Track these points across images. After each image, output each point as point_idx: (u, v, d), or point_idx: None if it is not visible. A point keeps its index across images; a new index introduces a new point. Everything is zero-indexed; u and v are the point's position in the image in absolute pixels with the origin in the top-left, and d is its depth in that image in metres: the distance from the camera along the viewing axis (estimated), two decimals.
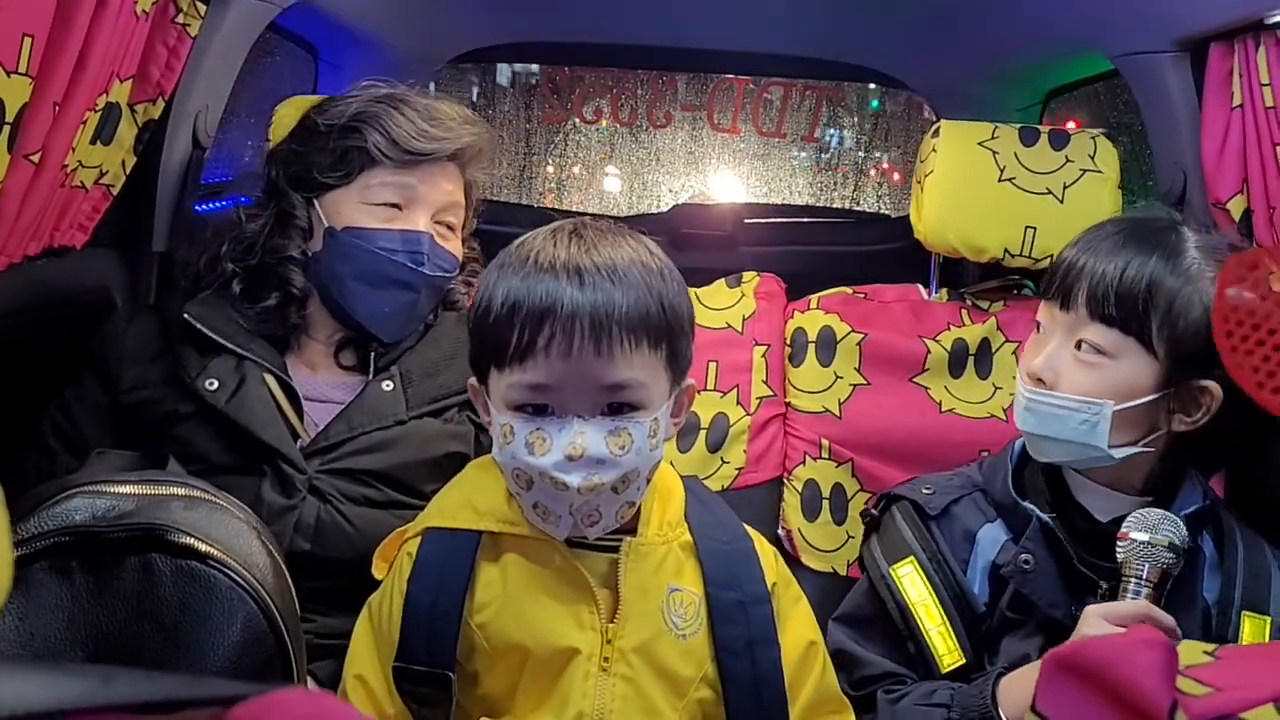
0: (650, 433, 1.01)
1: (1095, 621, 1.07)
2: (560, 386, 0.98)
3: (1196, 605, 1.16)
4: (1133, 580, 1.09)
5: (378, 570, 1.13)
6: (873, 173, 2.98)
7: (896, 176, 3.00)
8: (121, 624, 0.84)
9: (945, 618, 1.19)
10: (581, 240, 1.02)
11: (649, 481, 1.06)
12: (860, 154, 2.97)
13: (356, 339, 1.39)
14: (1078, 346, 1.17)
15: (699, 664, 1.05)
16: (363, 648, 1.10)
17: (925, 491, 1.27)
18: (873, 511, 1.32)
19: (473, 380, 1.09)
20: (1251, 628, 1.15)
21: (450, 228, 1.40)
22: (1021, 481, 1.25)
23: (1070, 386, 1.17)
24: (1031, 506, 1.21)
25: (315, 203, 1.36)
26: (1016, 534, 1.21)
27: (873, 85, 2.83)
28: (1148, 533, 1.10)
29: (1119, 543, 1.12)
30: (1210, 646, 0.60)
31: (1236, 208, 1.51)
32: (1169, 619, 1.07)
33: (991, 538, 1.23)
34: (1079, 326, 1.17)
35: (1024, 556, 1.18)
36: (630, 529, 1.08)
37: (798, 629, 1.12)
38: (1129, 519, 1.12)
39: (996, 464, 1.28)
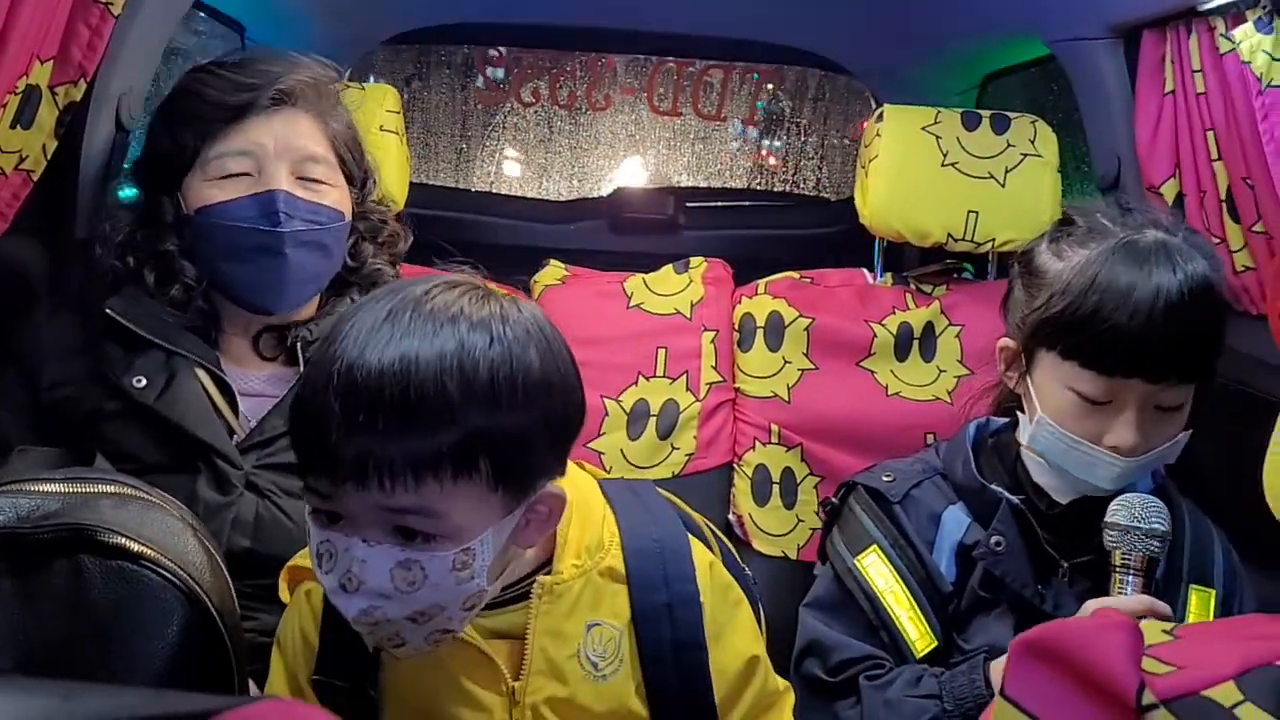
0: (456, 565, 0.85)
1: None
2: (321, 493, 0.84)
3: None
4: (1123, 570, 1.10)
5: (283, 593, 1.05)
6: (812, 156, 2.98)
7: (836, 160, 3.01)
8: (51, 629, 0.80)
9: (914, 602, 1.19)
10: (390, 331, 0.82)
11: (475, 607, 0.90)
12: (800, 138, 2.97)
13: (273, 327, 1.34)
14: (1156, 408, 1.13)
15: (619, 702, 0.98)
16: (279, 684, 1.02)
17: (885, 479, 1.27)
18: (834, 500, 1.32)
19: None
20: (1198, 600, 1.18)
21: (319, 180, 1.31)
22: (980, 465, 1.26)
23: (1161, 438, 1.14)
24: (1000, 490, 1.22)
25: (178, 195, 1.30)
26: (979, 516, 1.22)
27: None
28: (1135, 521, 1.10)
29: (1107, 533, 1.12)
30: (1169, 625, 0.61)
31: (1169, 192, 1.54)
32: (1168, 609, 1.09)
33: (956, 519, 1.23)
34: (1156, 394, 1.12)
35: (995, 538, 1.19)
36: (547, 569, 0.98)
37: (739, 641, 1.04)
38: (1113, 507, 1.13)
39: (955, 449, 1.29)
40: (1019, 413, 1.26)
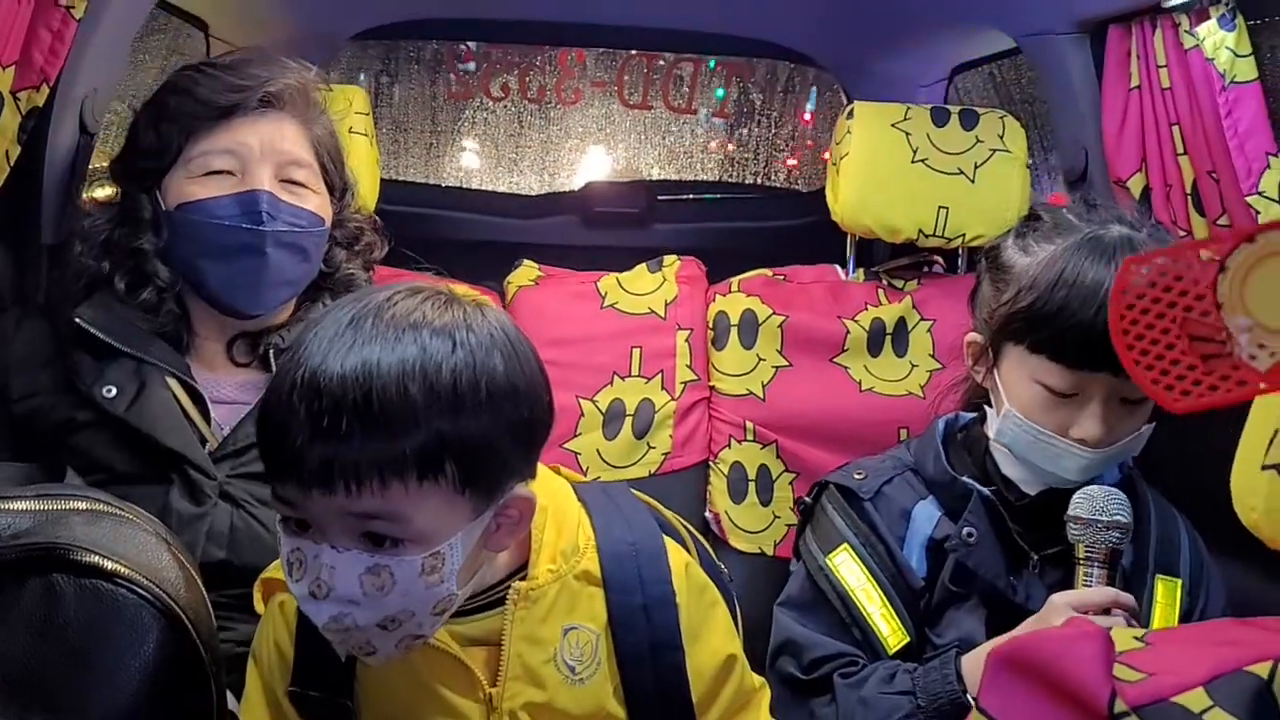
0: (425, 570, 0.85)
1: (1063, 609, 1.08)
2: (306, 512, 0.85)
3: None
4: (1086, 563, 1.11)
5: (258, 605, 1.05)
6: (783, 148, 2.99)
7: (808, 151, 3.02)
8: (23, 650, 0.79)
9: (885, 599, 1.20)
10: (353, 337, 0.83)
11: (445, 612, 0.90)
12: (771, 129, 2.98)
13: (247, 333, 1.33)
14: (1121, 401, 1.15)
15: (597, 705, 0.98)
16: (253, 699, 1.02)
17: (857, 476, 1.28)
18: (806, 500, 1.33)
19: None
20: (1164, 590, 1.20)
21: (301, 185, 1.32)
22: (950, 459, 1.27)
23: (1126, 430, 1.16)
24: (972, 482, 1.23)
25: (156, 192, 1.29)
26: (950, 510, 1.23)
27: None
28: (1097, 514, 1.12)
29: (1070, 526, 1.13)
30: (1140, 632, 0.62)
31: (1136, 185, 1.56)
32: (1132, 600, 1.10)
33: (926, 514, 1.25)
34: (1121, 387, 1.13)
35: (967, 530, 1.20)
36: (521, 574, 0.98)
37: (716, 641, 1.04)
38: (1075, 500, 1.14)
39: (926, 444, 1.30)
40: (986, 406, 1.27)
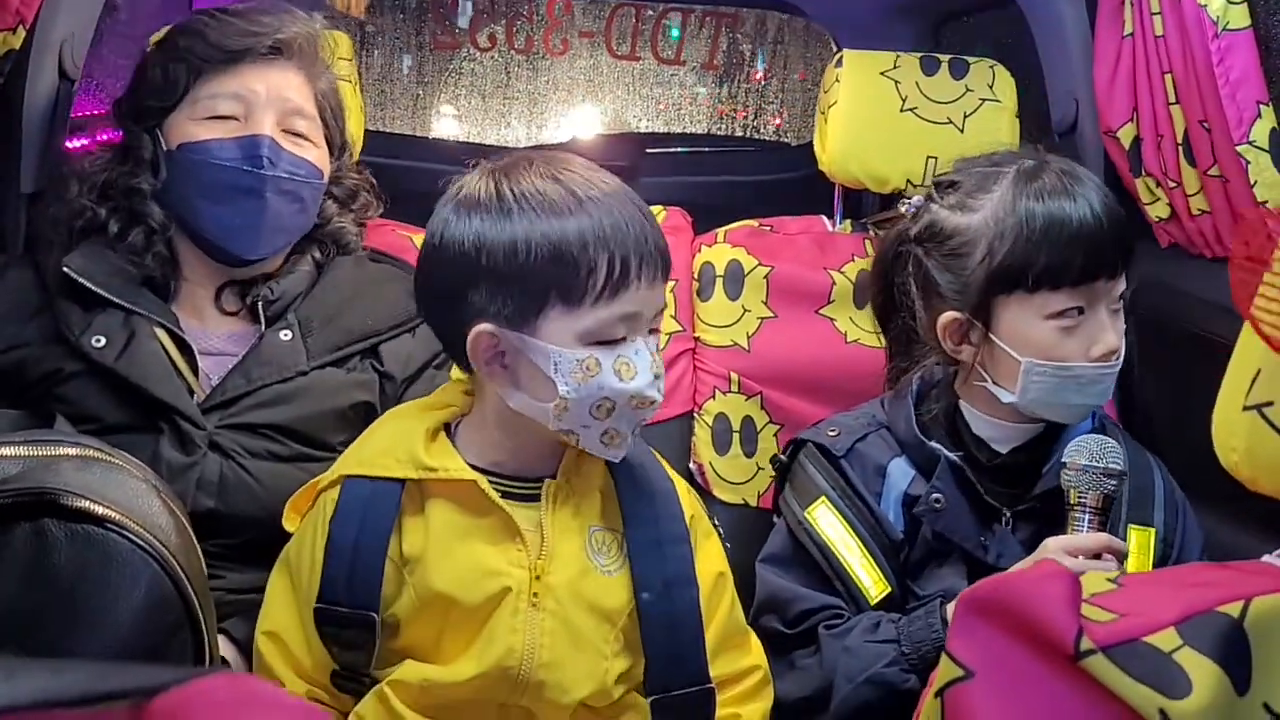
0: (654, 352, 1.05)
1: (1056, 553, 1.10)
2: (641, 313, 1.01)
3: None
4: (1079, 509, 1.13)
5: (289, 522, 1.10)
6: (772, 100, 2.96)
7: (796, 104, 2.99)
8: (14, 595, 0.79)
9: (865, 550, 1.21)
10: (581, 171, 1.04)
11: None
12: (760, 82, 2.95)
13: (236, 281, 1.33)
14: (1113, 312, 1.19)
15: (627, 596, 1.06)
16: (277, 600, 1.08)
17: (830, 434, 1.29)
18: (782, 458, 1.34)
19: (483, 328, 1.00)
20: (1137, 540, 1.21)
21: (302, 136, 1.33)
22: (922, 420, 1.27)
23: (1122, 339, 1.20)
24: (938, 447, 1.23)
25: (158, 132, 1.30)
26: (922, 469, 1.24)
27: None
28: (1094, 460, 1.13)
29: (1065, 473, 1.14)
30: (1114, 574, 0.63)
31: (1126, 136, 1.55)
32: (1124, 545, 1.13)
33: (901, 471, 1.26)
34: (1114, 287, 1.19)
35: (935, 496, 1.21)
36: (551, 473, 1.08)
37: (707, 562, 1.13)
38: (1070, 448, 1.15)
39: (898, 403, 1.30)
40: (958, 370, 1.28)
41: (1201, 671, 0.53)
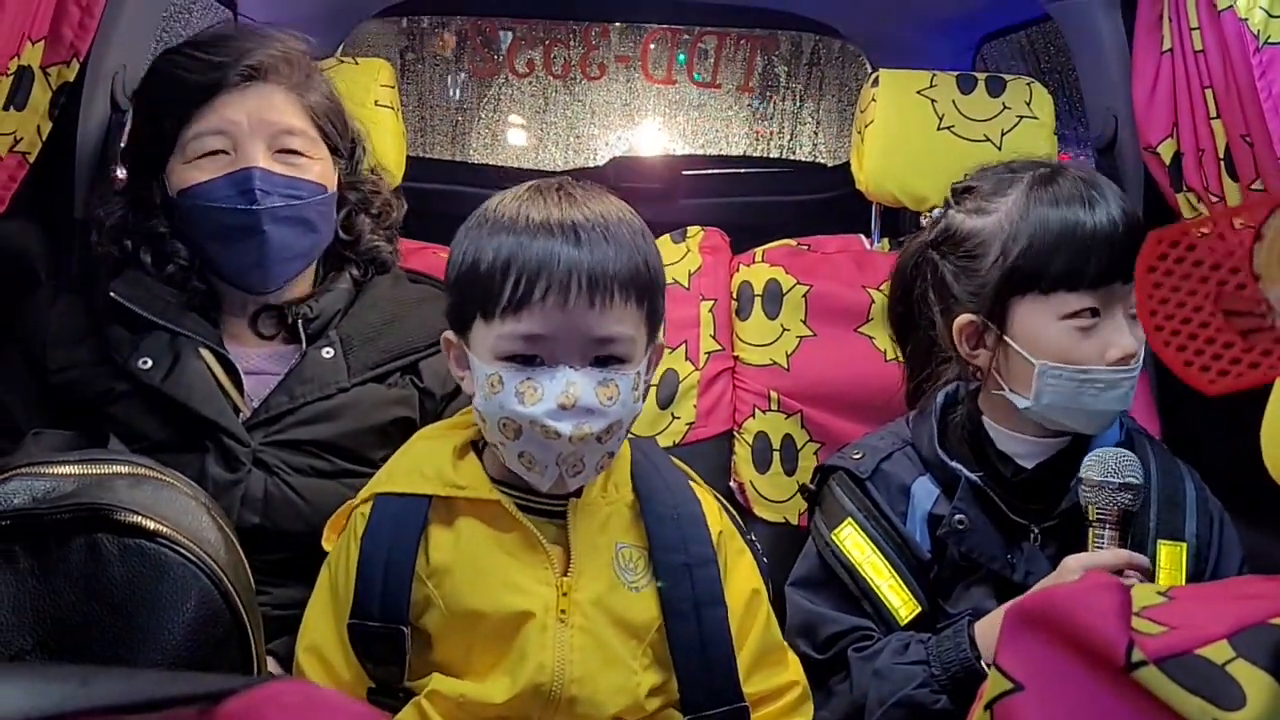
0: (634, 385, 1.04)
1: (1075, 571, 1.08)
2: (553, 337, 1.01)
3: None
4: (1097, 525, 1.11)
5: (327, 543, 1.13)
6: (808, 121, 2.97)
7: (832, 125, 3.00)
8: (70, 607, 0.81)
9: (893, 570, 1.20)
10: (571, 198, 1.06)
11: (628, 433, 1.08)
12: (796, 103, 2.96)
13: (270, 306, 1.34)
14: (1131, 317, 1.17)
15: (655, 612, 1.07)
16: (317, 616, 1.10)
17: (855, 457, 1.29)
18: (810, 487, 1.34)
19: (448, 334, 1.09)
20: (1168, 556, 1.18)
21: (299, 153, 1.30)
22: (946, 438, 1.26)
23: (1137, 347, 1.17)
24: (959, 467, 1.22)
25: (162, 177, 1.30)
26: (946, 488, 1.23)
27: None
28: (1109, 475, 1.11)
29: (1081, 489, 1.13)
30: (1163, 587, 0.62)
31: (1167, 151, 1.54)
32: (1145, 561, 1.11)
33: (925, 490, 1.25)
34: (1127, 295, 1.16)
35: (958, 517, 1.19)
36: (576, 492, 1.09)
37: (741, 580, 1.13)
38: (1087, 462, 1.13)
39: (922, 420, 1.29)
40: (979, 381, 1.26)
41: (1255, 684, 0.52)
